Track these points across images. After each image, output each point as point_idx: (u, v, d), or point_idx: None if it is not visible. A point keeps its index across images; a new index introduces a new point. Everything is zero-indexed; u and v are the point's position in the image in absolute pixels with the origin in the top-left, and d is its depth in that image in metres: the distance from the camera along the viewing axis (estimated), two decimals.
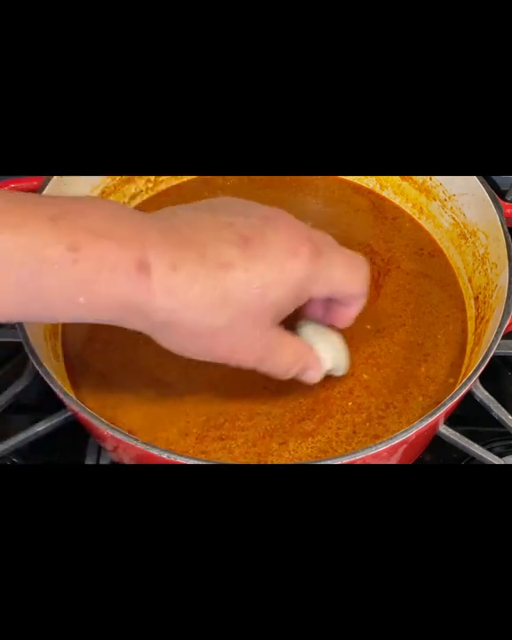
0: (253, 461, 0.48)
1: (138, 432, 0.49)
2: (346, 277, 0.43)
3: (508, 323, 0.48)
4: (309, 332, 0.47)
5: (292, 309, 0.42)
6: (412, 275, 0.58)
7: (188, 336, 0.39)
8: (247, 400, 0.51)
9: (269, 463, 0.48)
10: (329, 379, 0.51)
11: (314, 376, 0.46)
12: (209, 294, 0.37)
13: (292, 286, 0.40)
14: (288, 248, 0.40)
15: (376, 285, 0.57)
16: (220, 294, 0.38)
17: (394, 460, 0.47)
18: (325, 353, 0.46)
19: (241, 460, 0.48)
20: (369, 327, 0.55)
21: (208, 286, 0.37)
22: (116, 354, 0.53)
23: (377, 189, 0.63)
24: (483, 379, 0.50)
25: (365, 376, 0.52)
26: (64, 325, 0.54)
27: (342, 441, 0.49)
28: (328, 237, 0.43)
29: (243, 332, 0.40)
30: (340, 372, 0.49)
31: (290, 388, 0.51)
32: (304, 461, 0.48)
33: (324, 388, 0.51)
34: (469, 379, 0.45)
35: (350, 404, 0.51)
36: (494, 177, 0.67)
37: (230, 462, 0.48)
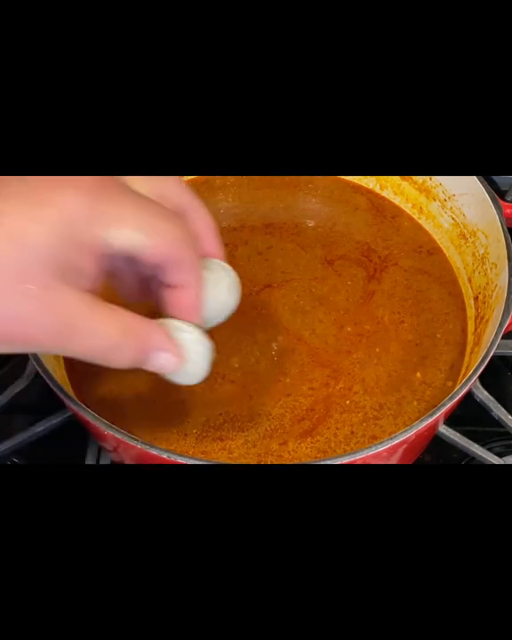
0: (253, 462, 0.48)
1: (137, 432, 0.49)
2: (152, 219, 0.33)
3: (507, 323, 0.48)
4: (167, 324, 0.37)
5: (88, 264, 0.32)
6: (410, 271, 0.58)
7: None
8: (246, 400, 0.51)
9: (269, 463, 0.48)
10: (329, 378, 0.51)
11: (169, 363, 0.36)
12: None
13: (64, 225, 0.31)
14: (56, 181, 0.31)
15: (373, 281, 0.57)
16: None
17: (394, 460, 0.47)
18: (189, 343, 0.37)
19: (240, 461, 0.48)
20: (367, 326, 0.55)
21: None
22: None
23: (376, 189, 0.63)
24: (482, 379, 0.50)
25: (364, 375, 0.52)
26: None
27: (341, 441, 0.49)
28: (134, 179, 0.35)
29: (5, 292, 0.30)
30: (190, 376, 0.38)
31: (289, 387, 0.51)
32: (304, 462, 0.48)
33: (325, 386, 0.51)
34: (469, 379, 0.45)
35: (348, 402, 0.51)
36: (494, 177, 0.67)
37: (230, 463, 0.48)
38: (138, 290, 0.39)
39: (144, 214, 0.33)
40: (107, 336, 0.33)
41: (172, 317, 0.37)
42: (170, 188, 0.37)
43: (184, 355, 0.36)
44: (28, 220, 0.30)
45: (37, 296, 0.30)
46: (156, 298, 0.38)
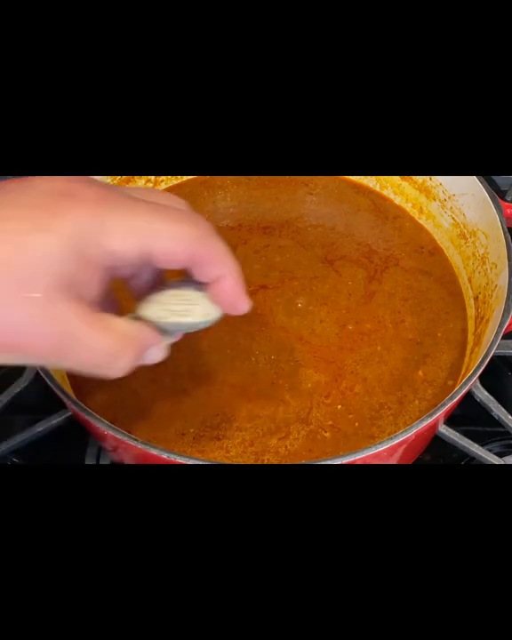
0: (250, 461, 0.48)
1: (136, 432, 0.49)
2: (156, 226, 0.33)
3: (507, 323, 0.48)
4: (164, 291, 0.38)
5: (91, 277, 0.32)
6: (411, 271, 0.58)
7: None
8: (244, 400, 0.51)
9: (266, 462, 0.48)
10: (329, 376, 0.51)
11: (157, 356, 0.37)
12: None
13: (65, 235, 0.30)
14: (58, 189, 0.31)
15: (374, 281, 0.57)
16: None
17: (394, 460, 0.47)
18: (175, 306, 0.37)
19: (238, 460, 0.48)
20: (368, 325, 0.55)
21: None
22: None
23: (377, 189, 0.63)
24: (482, 379, 0.50)
25: (366, 374, 0.52)
26: None
27: (340, 440, 0.49)
28: (130, 189, 0.34)
29: (8, 301, 0.30)
30: (200, 320, 0.38)
31: (288, 386, 0.51)
32: (302, 461, 0.48)
33: (326, 385, 0.51)
34: (469, 379, 0.45)
35: (349, 401, 0.51)
36: (494, 177, 0.67)
37: (226, 462, 0.48)
38: (149, 289, 0.38)
39: (157, 221, 0.33)
40: (106, 349, 0.33)
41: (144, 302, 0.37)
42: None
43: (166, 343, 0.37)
44: (36, 230, 0.30)
45: (39, 306, 0.30)
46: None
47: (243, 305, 0.37)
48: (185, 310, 0.37)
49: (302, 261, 0.58)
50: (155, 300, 0.37)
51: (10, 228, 0.30)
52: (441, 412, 0.44)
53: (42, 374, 0.46)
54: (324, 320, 0.55)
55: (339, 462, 0.41)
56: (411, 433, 0.43)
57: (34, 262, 0.30)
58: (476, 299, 0.55)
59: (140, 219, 0.32)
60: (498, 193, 0.56)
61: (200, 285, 0.37)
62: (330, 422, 0.50)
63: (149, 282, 0.38)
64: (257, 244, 0.59)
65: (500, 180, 0.68)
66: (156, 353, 0.37)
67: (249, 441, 0.49)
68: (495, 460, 0.50)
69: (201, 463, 0.41)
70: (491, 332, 0.48)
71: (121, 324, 0.34)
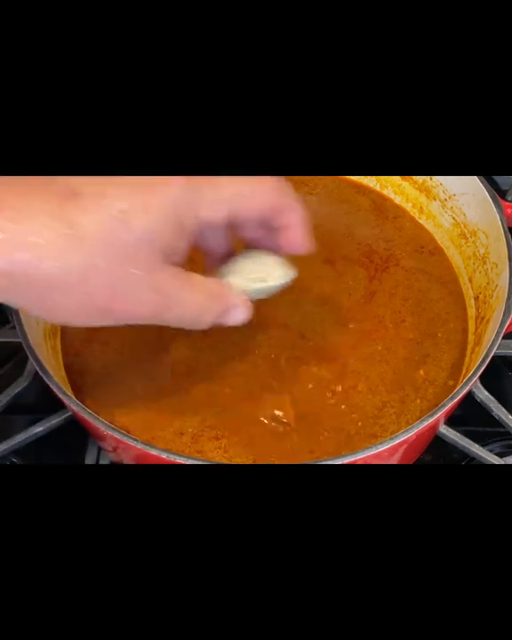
0: (249, 460, 0.48)
1: (135, 432, 0.49)
2: (242, 190, 0.37)
3: (508, 323, 0.48)
4: (238, 261, 0.43)
5: (183, 243, 0.36)
6: (411, 271, 0.58)
7: (55, 292, 0.33)
8: (243, 399, 0.51)
9: (265, 462, 0.48)
10: (331, 375, 0.51)
11: (239, 317, 0.40)
12: (53, 230, 0.31)
13: (165, 210, 0.34)
14: (153, 178, 0.34)
15: (374, 281, 0.57)
16: (67, 226, 0.31)
17: (394, 460, 0.47)
18: (254, 274, 0.42)
19: (237, 460, 0.48)
20: (369, 325, 0.55)
21: (50, 220, 0.31)
22: (114, 354, 0.53)
23: (377, 188, 0.63)
24: (483, 379, 0.50)
25: (369, 373, 0.52)
26: (64, 326, 0.55)
27: (342, 440, 0.49)
28: None
29: (116, 274, 0.33)
30: (280, 282, 0.44)
31: (289, 385, 0.51)
32: (303, 461, 0.48)
33: (327, 384, 0.51)
34: (470, 379, 0.45)
35: (350, 401, 0.51)
36: (494, 177, 0.67)
37: (225, 462, 0.48)
38: (220, 257, 0.43)
39: (239, 181, 0.38)
40: (195, 307, 0.37)
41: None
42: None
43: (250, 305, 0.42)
44: (137, 206, 0.33)
45: (143, 278, 0.34)
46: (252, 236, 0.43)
47: (307, 248, 0.43)
48: (263, 276, 0.42)
49: (303, 260, 0.58)
50: (233, 271, 0.42)
51: (115, 205, 0.33)
52: (441, 412, 0.44)
53: (42, 374, 0.45)
54: (325, 319, 0.55)
55: (339, 462, 0.41)
56: (411, 433, 0.43)
57: (138, 237, 0.33)
58: (476, 299, 0.55)
59: (229, 187, 0.37)
60: (498, 193, 0.56)
61: (266, 251, 0.43)
62: (332, 421, 0.50)
63: (221, 241, 0.43)
64: None
65: (501, 179, 0.68)
66: (242, 313, 0.40)
67: (249, 440, 0.49)
68: (495, 460, 0.50)
69: (201, 463, 0.41)
70: (491, 332, 0.48)
71: (209, 282, 0.38)
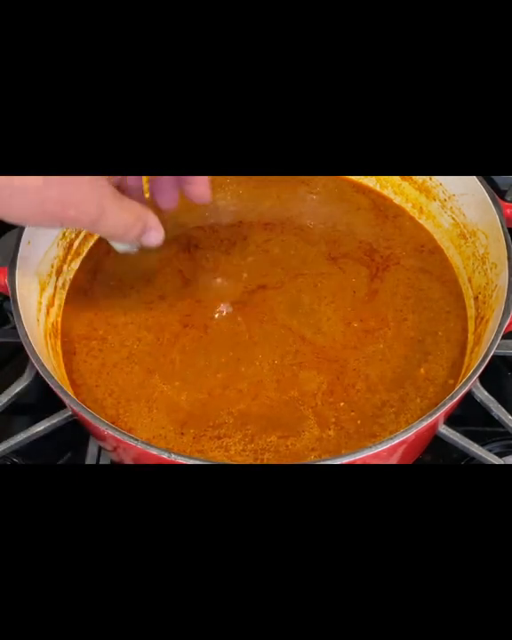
0: (250, 460, 0.48)
1: (135, 431, 0.49)
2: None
3: (507, 323, 0.48)
4: None
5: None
6: (411, 270, 0.58)
7: (17, 192, 0.39)
8: (244, 398, 0.51)
9: (266, 461, 0.48)
10: (332, 374, 0.51)
11: (156, 237, 0.47)
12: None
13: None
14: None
15: (375, 279, 0.57)
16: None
17: (394, 460, 0.47)
18: None
19: (237, 459, 0.48)
20: (371, 323, 0.55)
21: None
22: (114, 353, 0.53)
23: (377, 188, 0.63)
24: (483, 379, 0.50)
25: (369, 371, 0.52)
26: (64, 325, 0.55)
27: (342, 439, 0.49)
28: None
29: (71, 185, 0.40)
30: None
31: (288, 385, 0.51)
32: (303, 461, 0.48)
33: (327, 383, 0.51)
34: (469, 379, 0.45)
35: (350, 400, 0.51)
36: (494, 177, 0.67)
37: (227, 461, 0.48)
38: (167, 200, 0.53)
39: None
40: (124, 222, 0.45)
41: None
42: None
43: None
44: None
45: (89, 193, 0.41)
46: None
47: (207, 199, 0.51)
48: None
49: (308, 257, 0.58)
50: None
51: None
52: (441, 412, 0.44)
53: (42, 374, 0.46)
54: (330, 317, 0.55)
55: (339, 462, 0.41)
56: (410, 433, 0.43)
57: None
58: (475, 299, 0.55)
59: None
60: (498, 193, 0.56)
61: None
62: (332, 420, 0.50)
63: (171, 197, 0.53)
64: (258, 242, 0.59)
65: (500, 180, 0.68)
66: (155, 236, 0.47)
67: (249, 440, 0.49)
68: (495, 460, 0.50)
69: (201, 463, 0.41)
70: (490, 332, 0.48)
71: (137, 205, 0.46)
